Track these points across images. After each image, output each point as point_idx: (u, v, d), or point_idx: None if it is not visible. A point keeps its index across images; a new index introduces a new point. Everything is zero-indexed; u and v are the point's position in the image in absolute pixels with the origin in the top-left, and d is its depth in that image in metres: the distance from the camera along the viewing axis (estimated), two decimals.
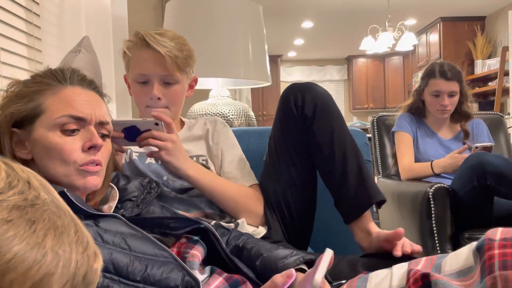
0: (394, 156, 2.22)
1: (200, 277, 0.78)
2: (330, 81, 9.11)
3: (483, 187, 1.66)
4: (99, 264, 0.47)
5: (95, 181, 0.79)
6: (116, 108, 1.73)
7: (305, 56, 8.87)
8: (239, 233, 1.00)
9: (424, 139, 2.12)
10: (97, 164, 0.79)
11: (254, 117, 2.08)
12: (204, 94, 2.19)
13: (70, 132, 0.78)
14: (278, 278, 0.69)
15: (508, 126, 2.54)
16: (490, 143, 1.92)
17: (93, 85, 0.85)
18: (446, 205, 1.79)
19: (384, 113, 2.43)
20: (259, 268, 0.86)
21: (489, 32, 6.33)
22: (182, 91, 1.19)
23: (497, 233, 0.63)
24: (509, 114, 4.86)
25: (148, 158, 1.15)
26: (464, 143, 2.06)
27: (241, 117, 1.97)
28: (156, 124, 1.02)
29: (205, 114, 1.92)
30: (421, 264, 0.71)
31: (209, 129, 1.25)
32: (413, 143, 2.11)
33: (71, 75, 0.82)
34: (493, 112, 2.55)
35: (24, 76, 1.25)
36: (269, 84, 2.04)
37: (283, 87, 8.46)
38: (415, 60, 7.55)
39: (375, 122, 2.40)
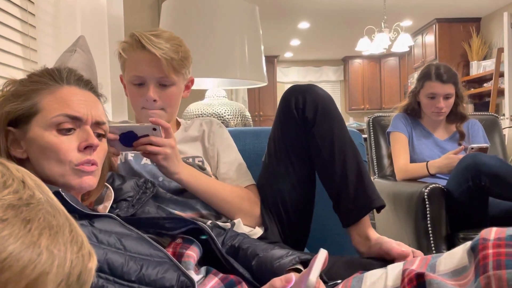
0: (390, 156, 2.23)
1: (196, 277, 0.78)
2: (327, 82, 9.13)
3: (478, 187, 1.67)
4: (93, 264, 0.47)
5: (90, 181, 0.79)
6: (112, 108, 1.73)
7: (301, 56, 8.88)
8: (235, 233, 1.00)
9: (419, 139, 2.13)
10: (92, 164, 0.79)
11: (250, 117, 2.08)
12: (200, 94, 2.19)
13: (66, 132, 0.78)
14: (277, 281, 0.69)
15: (503, 127, 2.56)
16: (485, 144, 1.93)
17: (89, 85, 0.85)
18: (441, 205, 1.79)
19: (380, 114, 2.43)
20: (255, 268, 0.86)
21: (484, 34, 6.36)
22: (178, 93, 1.18)
23: (491, 233, 0.63)
24: (504, 115, 4.88)
25: (144, 159, 1.14)
26: (459, 144, 2.07)
27: (237, 118, 1.97)
28: (154, 129, 1.00)
29: (201, 114, 1.92)
30: (416, 264, 0.71)
31: (205, 130, 1.25)
32: (408, 144, 2.12)
33: (68, 75, 0.82)
34: (488, 113, 2.56)
35: (19, 75, 1.25)
36: (265, 84, 2.04)
37: (279, 88, 8.49)
38: (411, 61, 7.57)
39: (370, 123, 2.40)
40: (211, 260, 0.86)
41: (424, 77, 2.09)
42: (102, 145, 0.82)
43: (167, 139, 1.02)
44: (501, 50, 5.05)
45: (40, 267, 0.41)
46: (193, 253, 0.82)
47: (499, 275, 0.57)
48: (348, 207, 1.11)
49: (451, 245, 1.77)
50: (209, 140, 1.23)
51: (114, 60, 1.23)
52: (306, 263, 0.84)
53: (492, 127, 2.40)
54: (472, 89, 6.02)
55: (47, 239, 0.42)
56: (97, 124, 0.82)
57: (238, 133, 1.45)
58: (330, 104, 1.14)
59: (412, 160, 2.09)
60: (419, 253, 1.00)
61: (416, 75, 2.26)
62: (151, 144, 1.00)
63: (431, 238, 1.79)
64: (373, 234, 1.11)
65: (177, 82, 1.15)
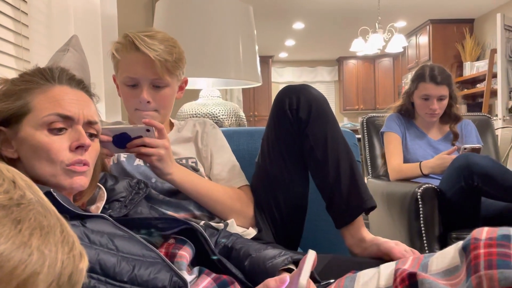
0: (383, 156, 2.24)
1: (188, 277, 0.78)
2: (321, 82, 9.15)
3: (470, 187, 1.68)
4: (84, 265, 0.47)
5: (81, 181, 0.78)
6: (105, 108, 1.72)
7: (296, 57, 8.90)
8: (228, 234, 0.99)
9: (413, 139, 2.14)
10: (84, 164, 0.78)
11: (245, 117, 2.08)
12: (194, 94, 2.18)
13: (57, 131, 0.77)
14: (271, 282, 0.69)
15: (495, 128, 2.57)
16: (478, 145, 1.94)
17: (81, 85, 0.84)
18: (434, 205, 1.80)
19: (374, 114, 2.44)
20: (248, 269, 0.86)
21: (477, 35, 6.40)
22: (172, 94, 1.17)
23: (483, 232, 0.63)
24: (496, 115, 4.91)
25: (137, 160, 1.14)
26: (453, 144, 2.08)
27: (231, 117, 1.97)
28: (148, 130, 0.99)
29: (195, 114, 1.91)
30: (408, 264, 0.71)
31: (198, 131, 1.24)
32: (401, 144, 2.13)
33: (60, 74, 0.82)
34: (481, 114, 2.58)
35: (11, 74, 1.24)
36: (259, 84, 2.04)
37: (274, 88, 8.49)
38: (405, 62, 7.61)
39: (364, 123, 2.41)
40: (204, 260, 0.86)
41: (418, 78, 2.09)
42: (94, 145, 0.82)
43: (161, 140, 1.01)
44: (494, 51, 5.08)
45: (30, 267, 0.41)
46: (185, 254, 0.81)
47: (491, 274, 0.58)
48: (341, 207, 1.11)
49: (444, 244, 1.77)
50: (203, 141, 1.23)
51: (108, 60, 1.23)
52: (299, 263, 0.84)
53: (485, 128, 2.42)
54: (465, 90, 6.06)
55: (38, 240, 0.42)
56: (89, 123, 0.81)
57: (232, 133, 1.45)
58: (323, 105, 1.14)
59: (406, 160, 2.10)
60: (418, 253, 1.00)
61: (410, 75, 2.27)
62: (144, 145, 1.00)
63: (424, 238, 1.80)
64: (368, 235, 1.10)
65: (171, 84, 1.14)
